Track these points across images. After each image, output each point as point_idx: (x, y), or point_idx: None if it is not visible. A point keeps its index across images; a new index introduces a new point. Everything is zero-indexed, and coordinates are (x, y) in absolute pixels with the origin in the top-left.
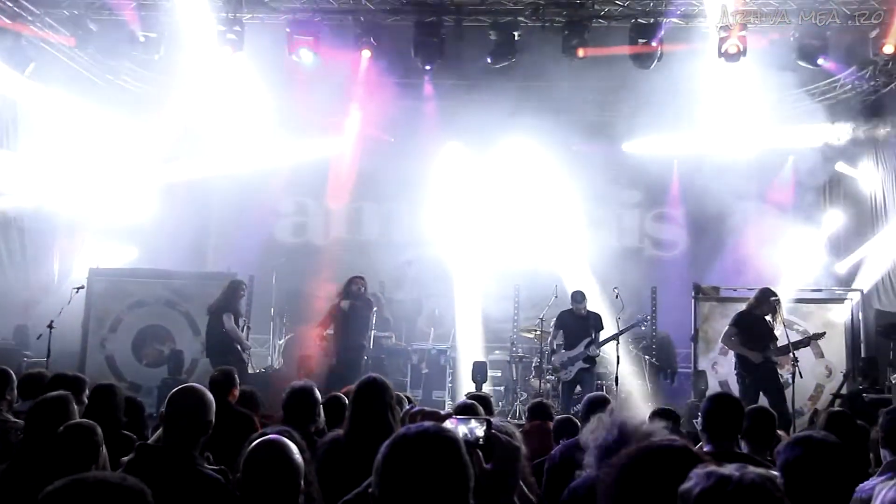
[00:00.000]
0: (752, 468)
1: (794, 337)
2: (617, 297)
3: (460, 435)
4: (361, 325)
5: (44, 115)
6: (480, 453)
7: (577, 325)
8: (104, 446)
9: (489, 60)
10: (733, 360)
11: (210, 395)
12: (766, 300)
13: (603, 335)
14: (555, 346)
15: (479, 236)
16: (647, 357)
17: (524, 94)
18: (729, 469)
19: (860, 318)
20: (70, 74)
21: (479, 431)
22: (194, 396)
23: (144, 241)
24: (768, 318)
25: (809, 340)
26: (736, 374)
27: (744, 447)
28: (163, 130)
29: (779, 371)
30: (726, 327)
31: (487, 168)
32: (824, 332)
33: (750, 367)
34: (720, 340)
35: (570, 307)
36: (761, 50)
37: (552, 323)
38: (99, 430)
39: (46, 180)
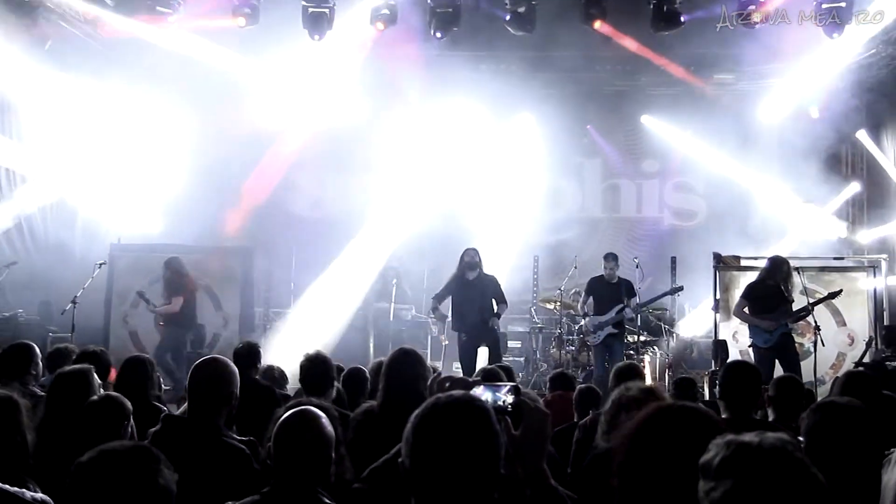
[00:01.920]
0: (770, 433)
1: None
2: (637, 266)
3: (489, 402)
4: (489, 297)
5: (61, 91)
6: (509, 420)
7: (608, 291)
8: (132, 419)
9: (507, 19)
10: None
11: (233, 367)
12: (778, 269)
13: (634, 303)
14: (584, 311)
15: (498, 206)
16: (667, 327)
17: (540, 64)
18: (748, 436)
19: (884, 286)
20: (88, 50)
21: (508, 398)
22: (217, 368)
23: (166, 216)
24: (784, 285)
25: (825, 299)
26: (750, 346)
27: (770, 415)
28: (179, 104)
29: (800, 340)
30: (738, 299)
31: (502, 138)
32: (840, 290)
33: (763, 337)
34: (732, 313)
35: (601, 273)
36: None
37: (572, 295)
38: (128, 404)
39: (66, 157)
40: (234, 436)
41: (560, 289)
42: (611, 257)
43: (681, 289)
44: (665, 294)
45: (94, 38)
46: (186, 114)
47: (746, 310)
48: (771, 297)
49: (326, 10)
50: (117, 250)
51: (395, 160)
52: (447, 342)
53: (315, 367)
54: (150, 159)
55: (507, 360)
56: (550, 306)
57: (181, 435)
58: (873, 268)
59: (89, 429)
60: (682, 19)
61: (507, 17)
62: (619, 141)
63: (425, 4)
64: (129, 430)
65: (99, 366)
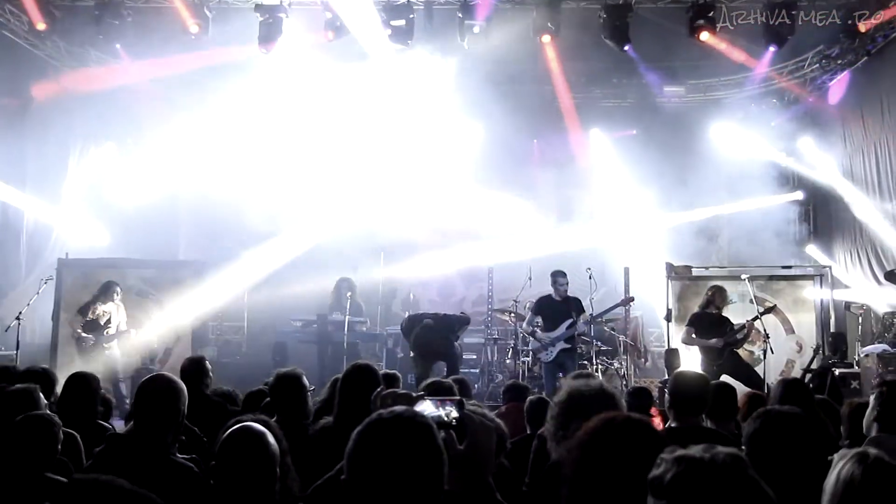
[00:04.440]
0: (720, 448)
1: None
2: (590, 277)
3: (433, 416)
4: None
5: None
6: (454, 434)
7: (557, 309)
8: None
9: (462, 41)
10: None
11: (181, 384)
12: (717, 296)
13: (583, 318)
14: (530, 330)
15: (451, 218)
16: (620, 337)
17: (491, 75)
18: (697, 451)
19: (829, 295)
20: (34, 63)
21: (453, 412)
22: (163, 385)
23: (116, 229)
24: (724, 311)
25: (760, 315)
26: (701, 367)
27: (708, 424)
28: (131, 117)
29: (751, 347)
30: (683, 328)
31: (453, 149)
32: (774, 305)
33: (713, 356)
34: (680, 341)
35: (549, 293)
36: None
37: (527, 307)
38: (57, 421)
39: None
40: (179, 454)
41: (514, 300)
42: (559, 274)
43: (632, 300)
44: (616, 306)
45: (40, 49)
46: (137, 129)
47: (694, 336)
48: (713, 322)
49: (279, 18)
50: (65, 265)
51: (347, 173)
52: (402, 354)
53: (287, 385)
54: (97, 175)
55: (462, 371)
56: (505, 317)
57: (126, 454)
58: (820, 277)
59: (15, 450)
60: (626, 48)
61: (461, 31)
62: (569, 152)
63: (377, 16)
64: (59, 450)
65: (44, 384)
